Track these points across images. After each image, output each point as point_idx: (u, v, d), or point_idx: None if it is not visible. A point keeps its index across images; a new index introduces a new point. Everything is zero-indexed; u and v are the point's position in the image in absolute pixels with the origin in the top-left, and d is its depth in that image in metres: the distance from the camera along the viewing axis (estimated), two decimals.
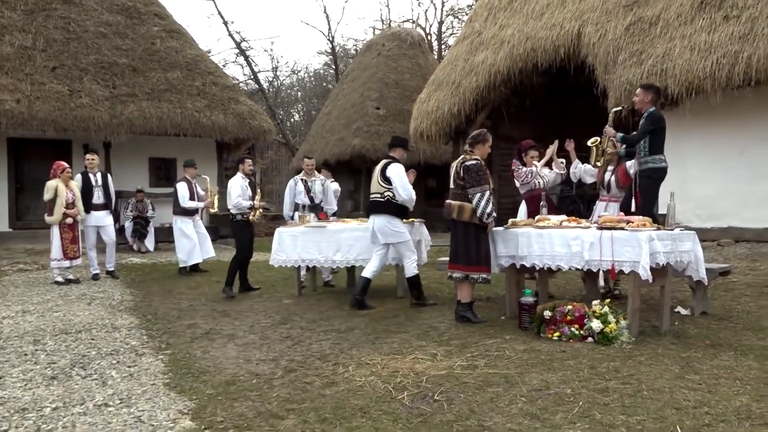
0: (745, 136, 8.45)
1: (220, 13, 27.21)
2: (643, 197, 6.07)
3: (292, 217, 7.65)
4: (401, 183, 5.94)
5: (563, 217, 5.84)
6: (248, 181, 7.68)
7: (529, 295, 4.94)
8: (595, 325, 4.39)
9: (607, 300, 4.82)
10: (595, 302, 4.67)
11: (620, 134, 5.98)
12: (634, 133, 6.01)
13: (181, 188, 9.11)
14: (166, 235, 11.55)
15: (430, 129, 12.58)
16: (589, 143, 6.26)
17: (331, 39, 30.55)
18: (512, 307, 5.29)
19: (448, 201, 5.51)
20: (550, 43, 10.77)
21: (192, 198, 9.16)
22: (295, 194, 7.99)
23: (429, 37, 26.41)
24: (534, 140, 6.96)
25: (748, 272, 7.08)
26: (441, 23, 28.46)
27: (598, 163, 6.21)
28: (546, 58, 10.86)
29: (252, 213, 7.40)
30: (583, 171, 6.41)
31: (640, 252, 4.57)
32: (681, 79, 8.43)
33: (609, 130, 6.10)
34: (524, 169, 6.75)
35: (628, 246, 4.66)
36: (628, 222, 5.04)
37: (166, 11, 14.01)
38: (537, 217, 5.80)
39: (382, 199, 6.03)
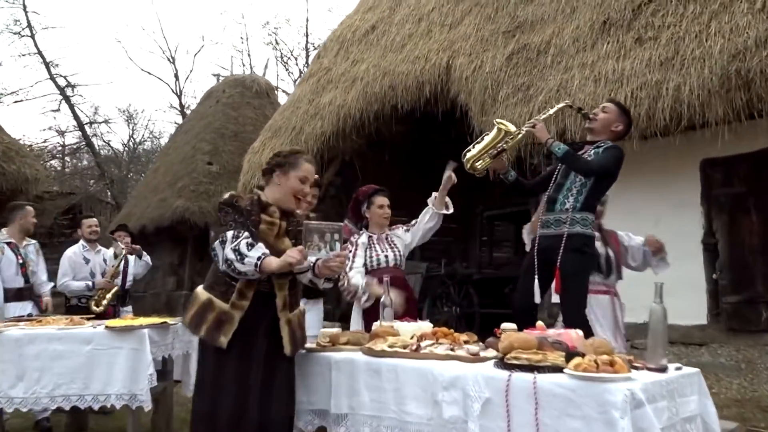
0: (665, 199, 6.26)
1: (39, 51, 22.79)
2: (568, 286, 3.42)
3: None
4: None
5: (426, 325, 3.00)
6: (97, 249, 5.86)
7: None
8: None
9: None
10: None
11: (557, 143, 3.54)
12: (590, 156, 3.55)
13: None
14: None
15: None
16: (497, 123, 3.72)
17: (179, 93, 27.10)
18: None
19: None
20: (413, 78, 8.35)
21: None
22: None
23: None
24: (394, 206, 4.19)
25: None
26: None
27: (478, 165, 3.66)
28: (408, 98, 8.39)
29: (96, 298, 5.50)
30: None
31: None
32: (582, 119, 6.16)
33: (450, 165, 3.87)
34: (360, 237, 4.00)
35: (577, 416, 1.92)
36: (565, 350, 2.30)
37: None
38: (375, 327, 2.92)
39: None
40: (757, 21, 5.25)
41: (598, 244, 3.78)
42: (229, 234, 2.55)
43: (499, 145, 3.59)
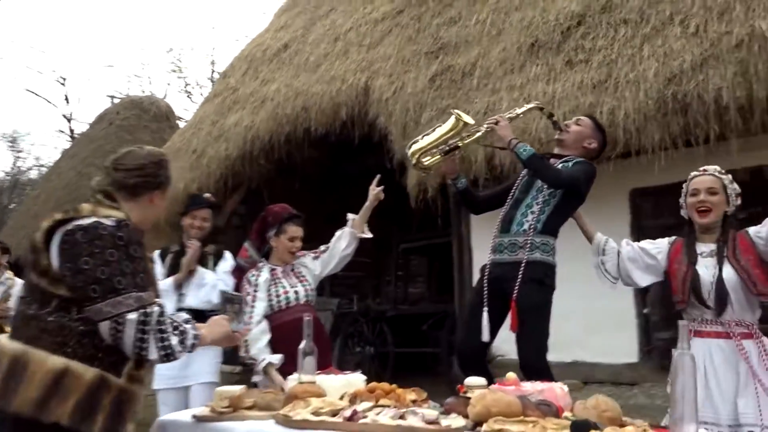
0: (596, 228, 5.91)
1: None
2: (526, 324, 2.85)
3: None
4: None
5: (357, 379, 2.30)
6: None
7: None
8: None
9: None
10: None
11: (522, 145, 3.02)
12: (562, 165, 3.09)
13: None
14: None
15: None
16: (453, 112, 3.15)
17: (69, 118, 25.02)
18: None
19: None
20: (328, 99, 7.75)
21: None
22: None
23: None
24: (303, 238, 3.47)
25: None
26: None
27: (425, 161, 3.12)
28: (322, 120, 7.76)
29: None
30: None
31: None
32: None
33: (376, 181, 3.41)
34: (261, 274, 3.27)
35: None
36: (554, 413, 1.66)
37: None
38: (292, 383, 2.19)
39: None
40: (692, 45, 5.07)
41: (708, 263, 2.56)
42: (137, 295, 1.77)
43: (453, 141, 3.02)
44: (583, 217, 3.03)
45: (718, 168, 2.68)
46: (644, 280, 2.80)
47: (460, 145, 3.05)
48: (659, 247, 2.73)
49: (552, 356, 4.92)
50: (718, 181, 2.61)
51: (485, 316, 2.90)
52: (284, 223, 3.32)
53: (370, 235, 3.47)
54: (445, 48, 7.14)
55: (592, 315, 5.93)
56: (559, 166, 3.03)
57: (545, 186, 2.97)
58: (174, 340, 1.79)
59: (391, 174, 6.88)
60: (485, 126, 3.04)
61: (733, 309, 2.48)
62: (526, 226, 2.96)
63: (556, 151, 3.17)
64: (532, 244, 2.93)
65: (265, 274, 3.26)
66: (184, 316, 1.95)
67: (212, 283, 3.53)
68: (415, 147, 3.09)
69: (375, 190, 3.38)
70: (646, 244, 2.80)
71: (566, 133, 3.13)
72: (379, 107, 7.18)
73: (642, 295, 5.93)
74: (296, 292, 3.27)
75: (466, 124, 2.99)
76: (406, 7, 8.18)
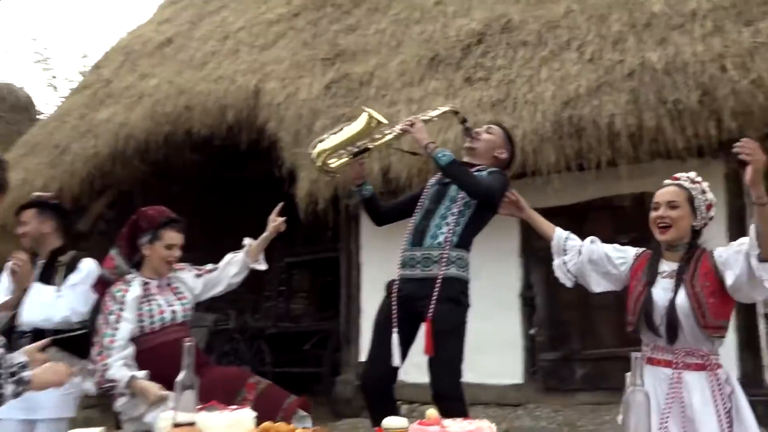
0: (487, 248, 5.86)
1: None
2: (442, 347, 2.60)
3: None
4: None
5: (246, 417, 1.92)
6: None
7: None
8: None
9: None
10: None
11: (441, 149, 2.77)
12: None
13: None
14: None
15: (4, 219, 7.48)
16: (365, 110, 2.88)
17: None
18: None
19: None
20: (214, 100, 7.21)
21: None
22: None
23: None
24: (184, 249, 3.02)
25: None
26: None
27: (332, 163, 2.86)
28: (207, 122, 7.20)
29: None
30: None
31: None
32: (408, 159, 5.59)
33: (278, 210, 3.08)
34: (131, 288, 2.79)
35: None
36: None
37: None
38: (163, 424, 1.76)
39: None
40: (587, 71, 5.17)
41: (666, 284, 2.29)
42: None
43: (363, 142, 2.73)
44: (534, 214, 2.75)
45: (691, 175, 2.38)
46: (599, 286, 2.51)
47: (370, 147, 2.78)
48: (624, 257, 2.46)
49: (415, 377, 4.80)
50: (682, 192, 2.31)
51: (395, 337, 2.62)
52: (161, 229, 2.85)
53: (264, 267, 3.12)
54: (342, 55, 6.89)
55: (479, 335, 5.76)
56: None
57: (459, 195, 2.75)
58: (8, 390, 1.60)
59: (279, 183, 6.49)
60: (399, 127, 2.79)
61: (686, 338, 2.21)
62: (441, 239, 2.73)
63: (465, 159, 2.94)
64: (448, 259, 2.70)
65: (135, 290, 2.77)
66: (22, 359, 1.72)
67: (49, 302, 2.95)
68: (320, 147, 2.78)
69: (276, 221, 3.03)
70: (611, 250, 2.52)
71: (477, 141, 2.93)
72: (270, 112, 6.77)
73: (529, 314, 5.95)
74: (173, 312, 2.82)
75: (379, 123, 2.73)
76: (303, 11, 7.86)
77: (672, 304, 2.20)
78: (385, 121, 2.74)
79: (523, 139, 5.11)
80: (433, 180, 2.97)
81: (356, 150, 2.75)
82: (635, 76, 4.89)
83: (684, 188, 2.32)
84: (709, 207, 2.33)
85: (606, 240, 5.67)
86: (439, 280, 2.65)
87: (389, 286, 2.83)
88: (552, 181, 5.13)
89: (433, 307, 2.61)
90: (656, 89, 4.75)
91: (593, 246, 2.53)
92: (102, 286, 2.89)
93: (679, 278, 2.24)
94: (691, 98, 4.60)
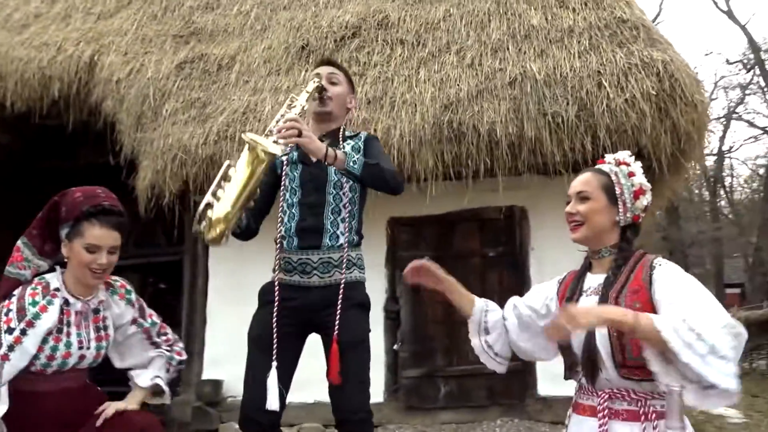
0: None
1: None
2: (351, 365, 2.09)
3: None
4: None
5: None
6: None
7: None
8: None
9: None
10: None
11: (350, 155, 2.16)
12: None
13: None
14: None
15: None
16: (247, 139, 2.05)
17: None
18: None
19: None
20: (36, 69, 6.06)
21: None
22: None
23: None
24: None
25: None
26: None
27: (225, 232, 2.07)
28: (24, 94, 6.03)
29: None
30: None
31: None
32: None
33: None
34: (51, 307, 1.99)
35: None
36: None
37: None
38: None
39: None
40: (468, 76, 4.98)
41: (590, 304, 1.77)
42: None
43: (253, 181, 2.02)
44: (456, 285, 2.01)
45: (620, 155, 1.86)
46: (547, 350, 1.89)
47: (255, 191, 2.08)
48: (549, 293, 1.90)
49: (293, 397, 4.23)
50: (594, 179, 1.79)
51: (273, 376, 2.08)
52: (83, 221, 1.98)
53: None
54: (198, 34, 6.12)
55: None
56: (347, 148, 2.28)
57: (343, 181, 2.24)
58: None
59: (115, 172, 5.56)
60: (282, 141, 2.04)
61: (610, 376, 1.64)
62: (342, 240, 2.23)
63: (321, 125, 2.36)
64: (349, 261, 2.22)
65: (52, 315, 1.95)
66: None
67: None
68: (218, 213, 2.03)
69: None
70: (533, 299, 1.93)
71: (330, 102, 2.32)
72: (107, 89, 5.81)
73: (393, 329, 5.62)
74: (81, 357, 2.03)
75: (271, 154, 1.98)
76: None
77: (589, 332, 1.64)
78: (277, 151, 2.01)
79: (401, 140, 4.78)
80: (283, 159, 2.30)
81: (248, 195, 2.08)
82: (516, 85, 4.78)
83: (601, 173, 1.80)
84: (637, 194, 1.78)
85: (472, 253, 5.61)
86: (342, 287, 2.16)
87: (263, 293, 2.28)
88: (427, 188, 4.85)
89: (339, 320, 2.11)
90: (536, 100, 4.67)
91: (517, 311, 1.94)
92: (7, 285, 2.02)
93: (603, 295, 1.68)
94: (570, 112, 4.57)
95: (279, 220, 2.27)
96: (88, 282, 2.03)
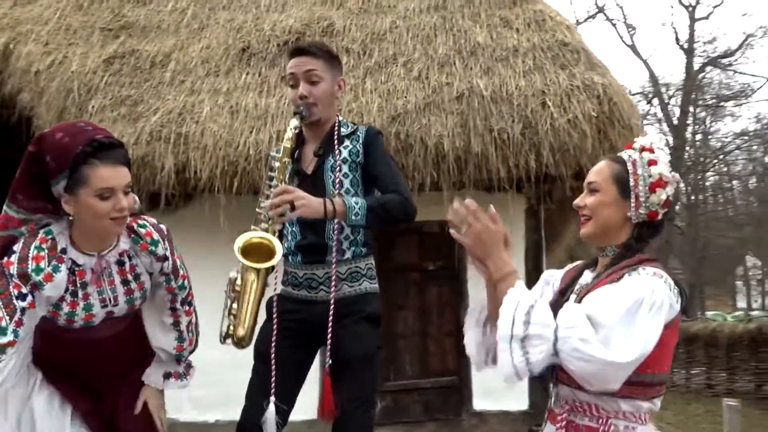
0: None
1: None
2: (362, 377, 2.02)
3: None
4: None
5: None
6: None
7: None
8: None
9: None
10: None
11: (350, 203, 1.98)
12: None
13: None
14: None
15: None
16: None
17: None
18: None
19: None
20: None
21: None
22: None
23: None
24: None
25: None
26: None
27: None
28: None
29: None
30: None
31: None
32: (208, 160, 4.77)
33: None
34: (56, 273, 1.71)
35: None
36: None
37: None
38: None
39: None
40: (415, 88, 4.96)
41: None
42: None
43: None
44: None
45: (644, 141, 1.58)
46: None
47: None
48: (557, 275, 1.72)
49: (221, 414, 4.02)
50: (607, 168, 1.57)
51: (271, 410, 1.94)
52: (82, 165, 1.60)
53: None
54: (129, 29, 5.76)
55: None
56: (345, 152, 2.10)
57: (343, 192, 2.07)
58: None
59: None
60: (278, 219, 1.91)
61: (572, 386, 1.47)
62: (348, 255, 2.09)
63: (312, 132, 2.16)
64: (357, 272, 2.10)
65: (59, 281, 1.66)
66: None
67: None
68: (240, 334, 1.97)
69: None
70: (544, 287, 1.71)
71: (315, 108, 2.08)
72: (24, 80, 5.34)
73: None
74: (109, 312, 1.79)
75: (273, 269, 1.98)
76: None
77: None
78: (274, 262, 1.91)
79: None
80: (274, 162, 2.06)
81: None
82: (463, 100, 4.81)
83: (617, 162, 1.58)
84: (654, 186, 1.52)
85: (412, 267, 5.57)
86: (350, 300, 2.06)
87: (271, 306, 2.12)
88: None
89: (346, 335, 1.99)
90: (483, 116, 4.71)
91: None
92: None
93: (577, 295, 1.54)
94: (515, 129, 4.64)
95: (283, 236, 2.12)
96: (110, 233, 1.69)
